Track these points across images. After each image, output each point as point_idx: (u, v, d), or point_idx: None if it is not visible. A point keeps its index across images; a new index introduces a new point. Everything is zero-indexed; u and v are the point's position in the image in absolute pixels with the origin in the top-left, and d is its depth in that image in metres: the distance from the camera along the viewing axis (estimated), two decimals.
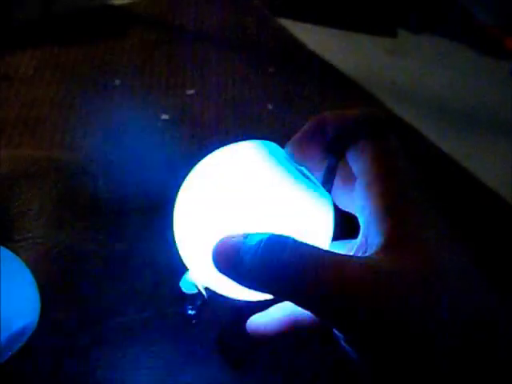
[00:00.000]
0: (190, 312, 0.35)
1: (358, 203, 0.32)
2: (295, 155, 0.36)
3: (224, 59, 1.07)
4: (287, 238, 0.30)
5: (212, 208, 0.33)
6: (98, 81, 0.98)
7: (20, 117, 0.87)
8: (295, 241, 0.30)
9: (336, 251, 0.33)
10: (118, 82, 0.98)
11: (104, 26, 1.11)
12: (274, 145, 0.37)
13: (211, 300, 0.36)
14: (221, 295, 0.36)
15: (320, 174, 0.36)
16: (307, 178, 0.35)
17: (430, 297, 0.28)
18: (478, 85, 1.21)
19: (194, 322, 0.35)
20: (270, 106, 0.97)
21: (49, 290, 0.55)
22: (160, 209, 0.67)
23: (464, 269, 0.29)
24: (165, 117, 0.92)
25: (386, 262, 0.29)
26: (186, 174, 0.34)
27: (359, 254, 0.31)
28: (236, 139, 0.39)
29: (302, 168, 0.36)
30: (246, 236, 0.31)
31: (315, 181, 0.35)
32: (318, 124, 0.34)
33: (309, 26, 1.23)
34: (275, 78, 1.04)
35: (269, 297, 0.34)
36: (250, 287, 0.31)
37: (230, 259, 0.31)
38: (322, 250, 0.30)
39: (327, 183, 0.36)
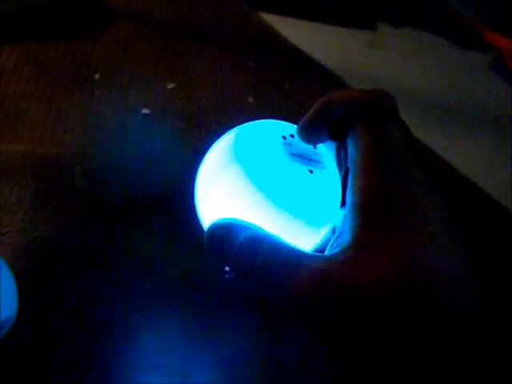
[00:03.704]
0: (226, 268, 0.35)
1: (347, 196, 0.32)
2: (305, 137, 0.36)
3: (204, 53, 1.06)
4: (263, 237, 0.31)
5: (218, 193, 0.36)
6: (78, 75, 0.97)
7: None
8: (269, 241, 0.31)
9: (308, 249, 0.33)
10: (97, 76, 0.97)
11: (83, 20, 1.11)
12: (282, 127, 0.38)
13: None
14: None
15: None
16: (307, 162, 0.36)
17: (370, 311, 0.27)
18: (459, 78, 1.22)
19: (227, 277, 0.36)
20: (250, 100, 0.97)
21: (28, 285, 0.55)
22: (139, 201, 0.67)
23: (447, 267, 0.29)
24: (145, 111, 0.92)
25: (343, 264, 0.29)
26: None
27: (333, 248, 0.32)
28: (217, 133, 0.39)
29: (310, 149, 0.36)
30: (233, 225, 0.33)
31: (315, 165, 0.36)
32: (323, 106, 0.35)
33: (289, 20, 1.23)
34: (256, 71, 1.04)
35: None
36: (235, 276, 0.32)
37: (218, 248, 0.33)
38: (287, 251, 0.31)
39: (338, 165, 0.36)
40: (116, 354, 0.56)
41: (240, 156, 0.35)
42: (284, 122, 0.39)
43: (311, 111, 0.36)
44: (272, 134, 0.37)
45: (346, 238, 0.30)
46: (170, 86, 0.98)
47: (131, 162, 0.75)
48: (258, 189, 0.34)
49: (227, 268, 0.34)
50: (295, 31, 1.19)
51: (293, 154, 0.36)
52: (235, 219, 0.33)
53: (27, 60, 0.98)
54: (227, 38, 1.12)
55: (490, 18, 1.30)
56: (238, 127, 0.39)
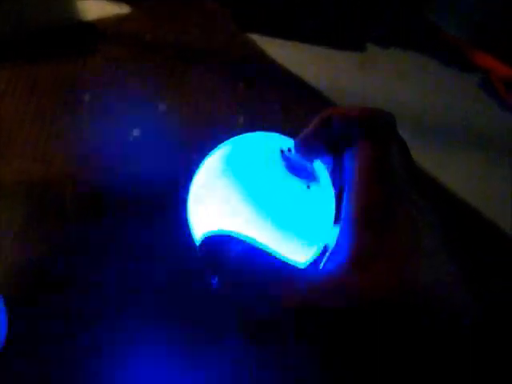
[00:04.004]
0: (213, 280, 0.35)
1: (342, 210, 0.32)
2: (303, 152, 0.36)
3: (195, 75, 1.07)
4: (258, 250, 0.31)
5: (211, 200, 0.35)
6: (69, 96, 0.97)
7: None
8: (264, 254, 0.31)
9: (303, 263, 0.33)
10: (88, 97, 0.97)
11: (75, 43, 1.11)
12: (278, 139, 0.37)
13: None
14: None
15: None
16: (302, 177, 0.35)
17: (365, 324, 0.27)
18: (448, 98, 1.22)
19: (214, 286, 0.35)
20: (241, 120, 0.97)
21: (16, 308, 0.55)
22: (129, 223, 0.67)
23: (443, 277, 0.29)
24: (136, 132, 0.92)
25: (342, 275, 0.29)
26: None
27: (327, 264, 0.31)
28: (207, 154, 0.39)
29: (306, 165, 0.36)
30: (227, 238, 0.32)
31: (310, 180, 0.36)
32: (323, 121, 0.34)
33: (278, 41, 1.23)
34: (246, 92, 1.04)
35: None
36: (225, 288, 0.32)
37: (211, 260, 0.32)
38: (284, 264, 0.31)
39: (333, 182, 0.36)
40: (104, 378, 0.55)
41: (237, 167, 0.35)
42: (281, 136, 0.38)
43: (310, 126, 0.35)
44: (270, 146, 0.37)
45: (343, 251, 0.30)
46: (161, 107, 0.98)
47: (122, 184, 0.75)
48: (256, 202, 0.34)
49: (215, 279, 0.34)
50: (284, 52, 1.19)
51: (291, 168, 0.36)
52: (230, 231, 0.33)
53: (19, 81, 0.98)
54: (217, 60, 1.13)
55: (476, 38, 1.31)
56: (235, 137, 0.38)
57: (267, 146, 0.37)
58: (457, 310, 0.28)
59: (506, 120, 1.18)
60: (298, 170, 0.36)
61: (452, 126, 1.14)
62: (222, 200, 0.35)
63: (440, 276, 0.29)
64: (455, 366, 0.27)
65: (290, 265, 0.31)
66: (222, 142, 0.39)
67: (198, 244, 0.34)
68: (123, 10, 1.23)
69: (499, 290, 0.65)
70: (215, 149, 0.39)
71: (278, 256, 0.31)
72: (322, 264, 0.34)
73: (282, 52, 1.19)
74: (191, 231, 0.37)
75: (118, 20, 1.19)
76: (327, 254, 0.34)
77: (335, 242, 0.32)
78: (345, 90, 1.16)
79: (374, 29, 1.33)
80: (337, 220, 0.35)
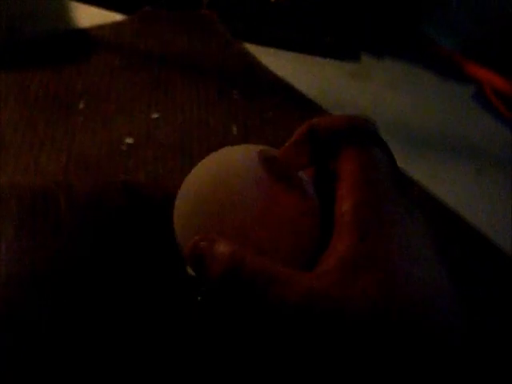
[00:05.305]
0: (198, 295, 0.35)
1: (335, 214, 0.32)
2: (288, 162, 0.36)
3: (188, 84, 1.07)
4: (247, 252, 0.31)
5: (197, 210, 0.35)
6: (62, 105, 0.97)
7: None
8: (253, 256, 0.31)
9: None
10: (81, 105, 0.97)
11: (68, 51, 1.11)
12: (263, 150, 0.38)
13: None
14: None
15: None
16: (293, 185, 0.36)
17: (369, 328, 0.28)
18: (440, 108, 1.23)
19: (199, 298, 0.35)
20: (234, 130, 0.97)
21: (9, 319, 0.54)
22: (122, 234, 0.67)
23: (432, 287, 0.29)
24: (129, 140, 0.92)
25: (331, 281, 0.29)
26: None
27: (321, 265, 0.32)
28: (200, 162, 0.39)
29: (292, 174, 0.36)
30: (213, 243, 0.32)
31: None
32: (307, 132, 0.35)
33: (272, 51, 1.24)
34: (239, 101, 1.04)
35: None
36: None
37: (198, 265, 0.32)
38: (273, 268, 0.30)
39: (317, 190, 0.37)
40: None
41: (224, 178, 0.36)
42: (266, 147, 0.39)
43: (294, 137, 0.36)
44: (256, 157, 0.37)
45: (333, 255, 0.30)
46: (154, 115, 0.98)
47: (115, 193, 0.75)
48: (242, 210, 0.34)
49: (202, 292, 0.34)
50: (278, 62, 1.20)
51: (278, 178, 0.36)
52: (218, 235, 0.33)
53: (12, 90, 0.98)
54: (211, 69, 1.13)
55: (469, 50, 1.32)
56: (222, 149, 0.39)
57: (254, 156, 0.37)
58: (442, 313, 0.28)
59: (499, 131, 1.18)
60: (285, 179, 0.36)
61: (445, 137, 1.15)
62: (209, 209, 0.35)
63: (426, 279, 0.29)
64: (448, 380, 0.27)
65: (283, 267, 0.31)
66: (216, 150, 0.40)
67: (185, 251, 0.34)
68: (117, 17, 1.23)
69: (494, 307, 0.65)
70: (203, 160, 0.39)
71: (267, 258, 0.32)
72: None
73: (276, 61, 1.19)
74: (177, 239, 0.37)
75: (112, 28, 1.19)
76: (315, 262, 0.34)
77: (325, 250, 0.32)
78: (338, 99, 1.16)
79: (368, 39, 1.33)
80: (322, 229, 0.35)
